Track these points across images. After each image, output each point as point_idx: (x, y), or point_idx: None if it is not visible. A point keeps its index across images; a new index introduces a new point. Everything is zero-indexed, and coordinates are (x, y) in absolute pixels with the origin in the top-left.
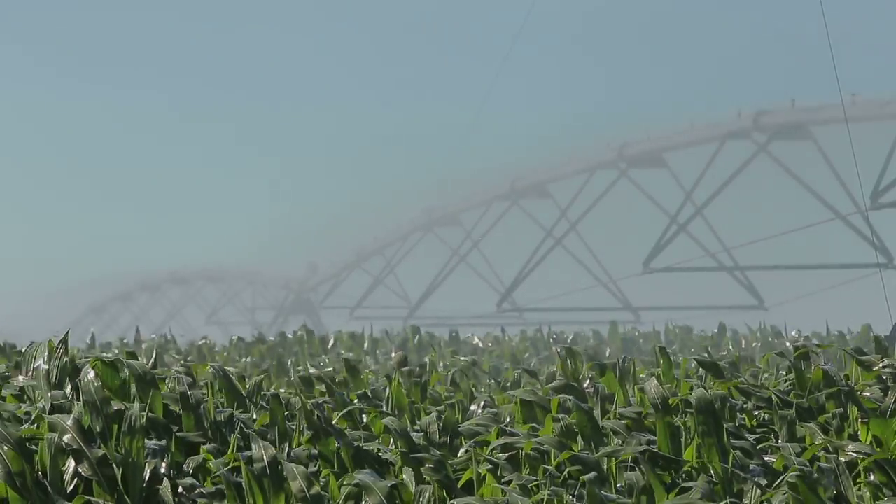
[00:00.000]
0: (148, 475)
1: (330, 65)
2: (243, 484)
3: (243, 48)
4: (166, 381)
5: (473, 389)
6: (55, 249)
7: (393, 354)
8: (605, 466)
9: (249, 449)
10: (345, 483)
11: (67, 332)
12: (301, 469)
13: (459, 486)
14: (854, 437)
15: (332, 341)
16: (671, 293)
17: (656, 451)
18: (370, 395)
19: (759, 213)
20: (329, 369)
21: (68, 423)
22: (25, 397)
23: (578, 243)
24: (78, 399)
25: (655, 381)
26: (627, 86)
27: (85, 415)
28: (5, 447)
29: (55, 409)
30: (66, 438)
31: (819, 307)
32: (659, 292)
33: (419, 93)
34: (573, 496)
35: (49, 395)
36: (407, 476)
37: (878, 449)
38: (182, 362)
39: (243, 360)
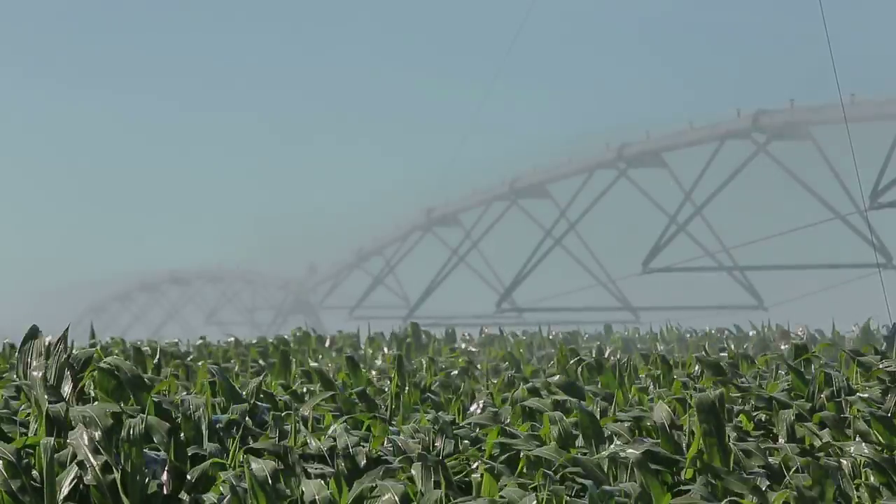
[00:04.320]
0: (148, 481)
1: (329, 66)
2: (247, 489)
3: (242, 50)
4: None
5: (473, 389)
6: (54, 249)
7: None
8: (606, 469)
9: (250, 451)
10: (358, 488)
11: (66, 330)
12: (316, 483)
13: (456, 479)
14: (854, 438)
15: (328, 341)
16: (671, 293)
17: (657, 450)
18: (369, 394)
19: (759, 213)
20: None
21: (82, 438)
22: (23, 396)
23: (578, 243)
24: (78, 402)
25: (664, 405)
26: (627, 85)
27: (90, 428)
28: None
29: (54, 412)
30: (77, 452)
31: (818, 307)
32: (658, 292)
33: (418, 93)
34: (571, 496)
35: (47, 397)
36: (409, 476)
37: (878, 449)
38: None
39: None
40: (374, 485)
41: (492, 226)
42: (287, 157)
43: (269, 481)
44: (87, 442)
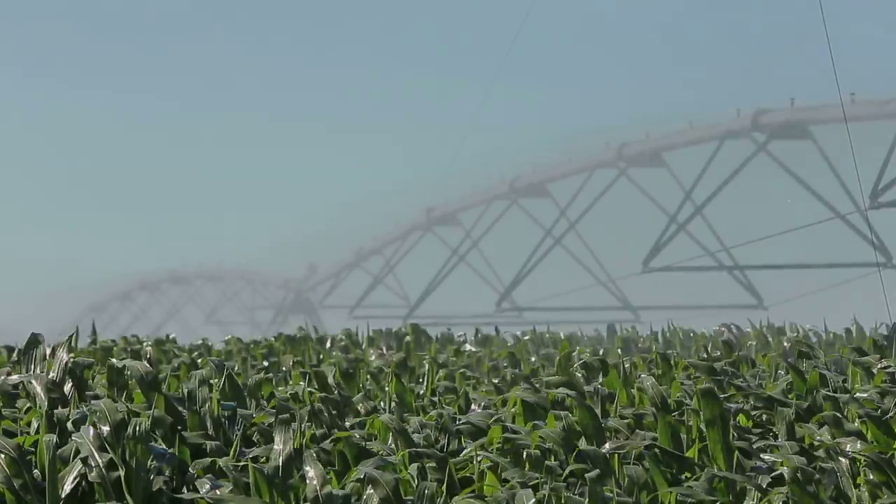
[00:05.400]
0: (152, 478)
1: (329, 66)
2: (251, 484)
3: (242, 51)
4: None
5: (470, 390)
6: (55, 249)
7: (385, 352)
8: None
9: (252, 447)
10: (349, 478)
11: (73, 334)
12: (319, 469)
13: (458, 477)
14: (852, 437)
15: (329, 341)
16: (670, 292)
17: (660, 446)
18: (369, 395)
19: (759, 213)
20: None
21: (87, 437)
22: (28, 396)
23: (578, 243)
24: (81, 400)
25: (653, 380)
26: (627, 85)
27: (90, 419)
28: (2, 454)
29: (58, 413)
30: (81, 449)
31: (818, 307)
32: (658, 292)
33: (418, 92)
34: (574, 494)
35: (50, 397)
36: (410, 473)
37: (877, 447)
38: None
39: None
40: (365, 476)
41: (492, 225)
42: (287, 156)
43: (280, 472)
44: (92, 439)
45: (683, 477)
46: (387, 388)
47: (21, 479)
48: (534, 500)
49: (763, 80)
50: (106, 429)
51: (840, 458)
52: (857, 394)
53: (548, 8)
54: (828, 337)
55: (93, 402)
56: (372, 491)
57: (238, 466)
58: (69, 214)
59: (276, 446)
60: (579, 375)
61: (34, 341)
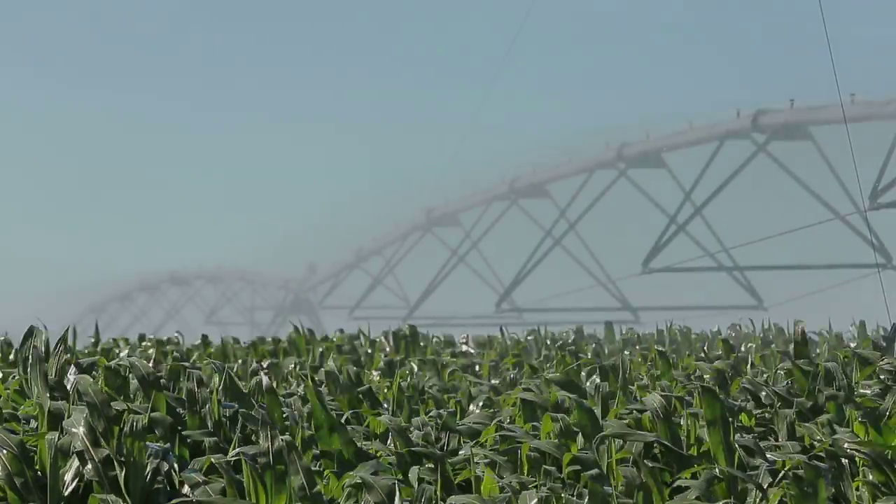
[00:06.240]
0: (149, 475)
1: (329, 66)
2: (244, 481)
3: (242, 51)
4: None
5: (472, 389)
6: (55, 250)
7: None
8: (605, 465)
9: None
10: (345, 481)
11: (67, 331)
12: (304, 464)
13: (457, 482)
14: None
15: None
16: (670, 293)
17: (662, 442)
18: (372, 392)
19: (759, 213)
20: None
21: (78, 427)
22: (26, 394)
23: (577, 243)
24: (79, 399)
25: (657, 395)
26: (626, 85)
27: (89, 416)
28: (5, 451)
29: (55, 410)
30: (74, 441)
31: (818, 307)
32: (658, 292)
33: (418, 93)
34: (572, 495)
35: (48, 395)
36: (407, 475)
37: (876, 444)
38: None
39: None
40: (360, 479)
41: (492, 226)
42: (286, 156)
43: (272, 461)
44: (85, 430)
45: (681, 478)
46: (389, 388)
47: (22, 478)
48: (535, 500)
49: (763, 80)
50: (100, 423)
51: (841, 458)
52: (860, 389)
53: (547, 8)
54: (830, 338)
55: (81, 387)
56: (369, 497)
57: (231, 463)
58: (69, 214)
59: (262, 443)
60: (581, 375)
61: (30, 334)
